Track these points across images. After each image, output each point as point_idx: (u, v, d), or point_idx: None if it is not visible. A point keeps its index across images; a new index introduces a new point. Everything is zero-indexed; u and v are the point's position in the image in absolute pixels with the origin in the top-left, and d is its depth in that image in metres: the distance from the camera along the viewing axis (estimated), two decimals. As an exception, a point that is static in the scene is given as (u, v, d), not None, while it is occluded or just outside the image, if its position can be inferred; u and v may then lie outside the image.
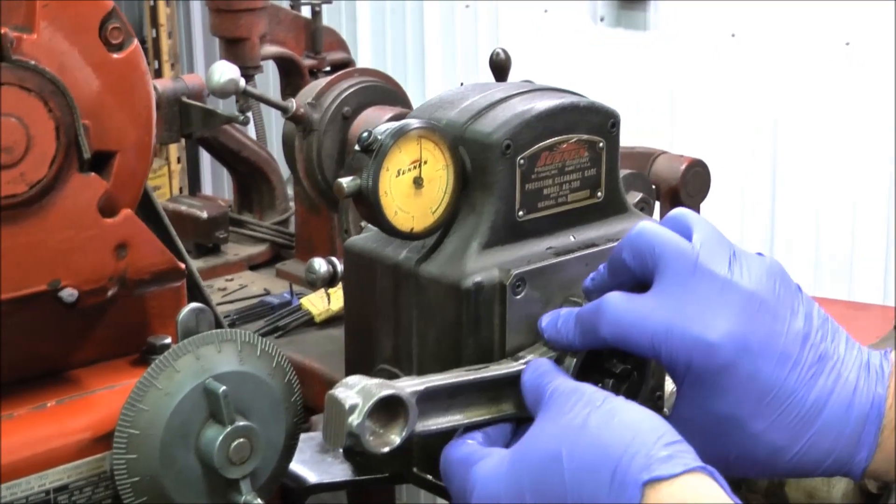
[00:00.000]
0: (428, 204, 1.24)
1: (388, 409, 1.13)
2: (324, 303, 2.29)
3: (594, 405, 1.11)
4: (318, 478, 1.34)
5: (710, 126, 4.20)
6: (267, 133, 3.36)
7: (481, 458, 1.16)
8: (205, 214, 2.68)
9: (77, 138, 1.22)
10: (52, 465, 1.22)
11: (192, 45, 6.29)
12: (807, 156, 4.02)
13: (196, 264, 2.41)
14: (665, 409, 1.35)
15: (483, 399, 1.21)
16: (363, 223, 1.32)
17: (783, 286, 1.20)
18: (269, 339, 1.29)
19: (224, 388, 1.21)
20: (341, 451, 1.37)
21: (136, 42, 1.28)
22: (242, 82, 2.11)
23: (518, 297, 1.24)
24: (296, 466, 1.33)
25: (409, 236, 1.25)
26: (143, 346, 1.33)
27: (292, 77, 2.99)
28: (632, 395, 1.29)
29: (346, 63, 3.02)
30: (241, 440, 1.22)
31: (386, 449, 1.13)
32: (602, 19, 4.47)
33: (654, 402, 1.34)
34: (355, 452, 1.34)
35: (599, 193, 1.34)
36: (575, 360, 1.24)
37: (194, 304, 1.27)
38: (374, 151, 1.20)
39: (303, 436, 1.34)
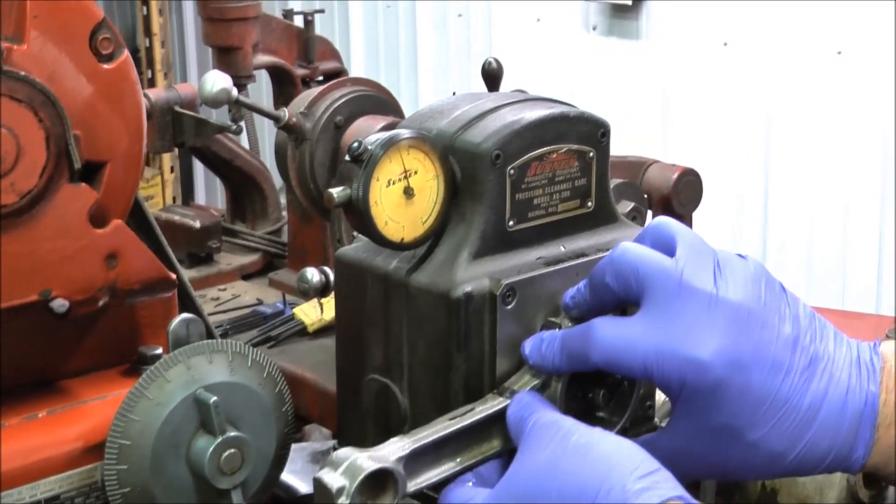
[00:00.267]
0: (418, 214, 1.25)
1: (378, 481, 1.13)
2: (316, 312, 2.29)
3: (569, 440, 1.12)
4: (309, 487, 1.34)
5: (702, 135, 4.21)
6: (260, 142, 3.36)
7: (469, 501, 1.17)
8: (197, 224, 2.67)
9: (67, 148, 1.22)
10: (43, 475, 1.22)
11: (185, 54, 6.30)
12: (799, 164, 4.02)
13: (189, 274, 2.41)
14: (656, 419, 1.36)
15: (472, 440, 1.21)
16: (355, 233, 1.32)
17: (768, 291, 1.20)
18: (260, 350, 1.29)
19: (215, 398, 1.21)
20: None
21: (126, 52, 1.28)
22: (235, 92, 2.11)
23: (508, 306, 1.24)
24: (287, 476, 1.34)
25: (400, 246, 1.25)
26: (134, 356, 1.33)
27: (285, 86, 2.99)
28: (622, 405, 1.29)
29: (339, 72, 3.03)
30: (232, 450, 1.22)
31: None
32: (594, 28, 4.48)
33: (644, 411, 1.34)
34: None
35: (590, 203, 1.34)
36: (561, 383, 1.24)
37: (185, 315, 1.27)
38: (364, 162, 1.20)
39: (294, 446, 1.34)
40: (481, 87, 1.69)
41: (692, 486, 1.84)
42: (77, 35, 1.24)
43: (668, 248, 1.21)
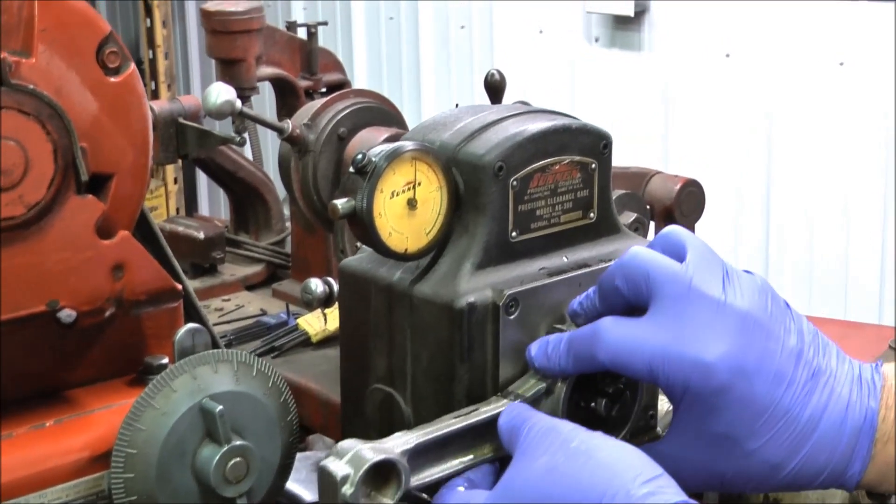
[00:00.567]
0: (422, 225, 1.26)
1: (381, 472, 1.14)
2: (320, 323, 2.29)
3: (569, 446, 1.12)
4: (314, 496, 1.35)
5: (704, 146, 4.22)
6: (263, 154, 3.37)
7: (465, 503, 1.17)
8: (201, 235, 2.68)
9: (75, 161, 1.23)
10: (50, 483, 1.23)
11: (189, 66, 6.31)
12: (801, 174, 4.03)
13: (193, 284, 2.41)
14: (658, 429, 1.36)
15: (475, 441, 1.21)
16: (359, 244, 1.33)
17: (774, 304, 1.21)
18: (265, 359, 1.30)
19: (220, 407, 1.22)
20: None
21: (132, 66, 1.29)
22: (238, 103, 2.12)
23: (511, 317, 1.25)
24: (292, 485, 1.35)
25: (403, 257, 1.26)
26: (140, 366, 1.34)
27: (288, 98, 3.00)
28: (624, 413, 1.30)
29: (342, 84, 3.04)
30: (238, 459, 1.23)
31: None
32: (597, 40, 4.49)
33: (646, 420, 1.35)
34: None
35: (592, 214, 1.35)
36: (565, 388, 1.25)
37: (191, 325, 1.28)
38: (369, 173, 1.21)
39: (298, 455, 1.35)
40: (484, 98, 1.70)
41: (695, 494, 1.85)
42: (84, 49, 1.25)
43: (678, 255, 1.22)
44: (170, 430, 1.21)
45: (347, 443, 1.14)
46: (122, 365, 1.35)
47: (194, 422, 1.22)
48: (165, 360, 1.33)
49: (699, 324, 1.17)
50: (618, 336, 1.19)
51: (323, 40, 3.14)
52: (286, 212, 2.80)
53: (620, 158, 1.75)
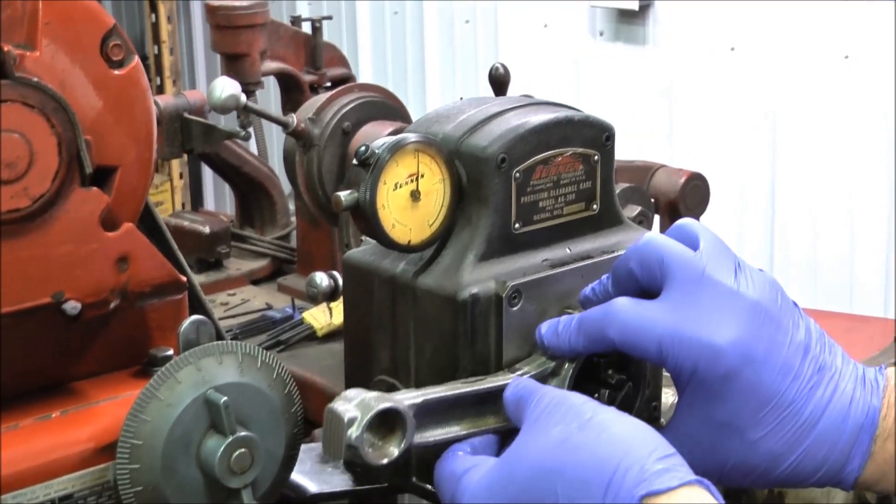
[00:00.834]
0: (425, 217, 1.26)
1: (387, 421, 1.14)
2: (325, 317, 2.30)
3: (583, 418, 1.12)
4: (319, 488, 1.35)
5: (708, 139, 4.22)
6: (268, 148, 3.38)
7: (469, 468, 1.17)
8: (206, 229, 2.69)
9: (79, 153, 1.24)
10: (56, 474, 1.23)
11: (194, 61, 6.32)
12: (806, 168, 4.03)
13: (198, 279, 2.42)
14: (662, 420, 1.37)
15: (480, 411, 1.22)
16: (363, 237, 1.34)
17: (784, 300, 1.22)
18: (269, 352, 1.30)
19: (225, 398, 1.22)
20: (341, 461, 1.38)
21: (136, 58, 1.30)
22: (243, 98, 2.12)
23: (514, 308, 1.25)
24: (296, 476, 1.34)
25: (407, 249, 1.26)
26: (144, 358, 1.35)
27: (293, 93, 3.01)
28: (627, 405, 1.30)
29: (347, 78, 3.04)
30: (242, 450, 1.23)
31: (384, 461, 1.15)
32: (601, 34, 4.49)
33: (650, 412, 1.35)
34: (355, 463, 1.35)
35: (595, 206, 1.35)
36: (572, 369, 1.25)
37: (195, 317, 1.28)
38: (372, 165, 1.22)
39: (303, 446, 1.35)
40: (488, 92, 1.70)
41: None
42: (88, 42, 1.26)
43: (692, 246, 1.23)
44: (175, 422, 1.22)
45: (354, 390, 1.14)
46: (127, 357, 1.36)
47: (199, 413, 1.23)
48: (170, 352, 1.33)
49: (711, 309, 1.18)
50: (630, 315, 1.20)
51: (328, 35, 3.14)
52: (291, 206, 2.81)
53: (625, 152, 1.75)
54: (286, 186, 2.67)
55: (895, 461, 1.20)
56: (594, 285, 1.27)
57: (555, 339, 1.25)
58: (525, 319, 1.26)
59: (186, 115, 2.45)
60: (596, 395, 1.29)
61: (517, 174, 1.27)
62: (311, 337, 2.31)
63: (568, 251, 1.33)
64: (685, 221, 1.26)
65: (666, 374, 1.53)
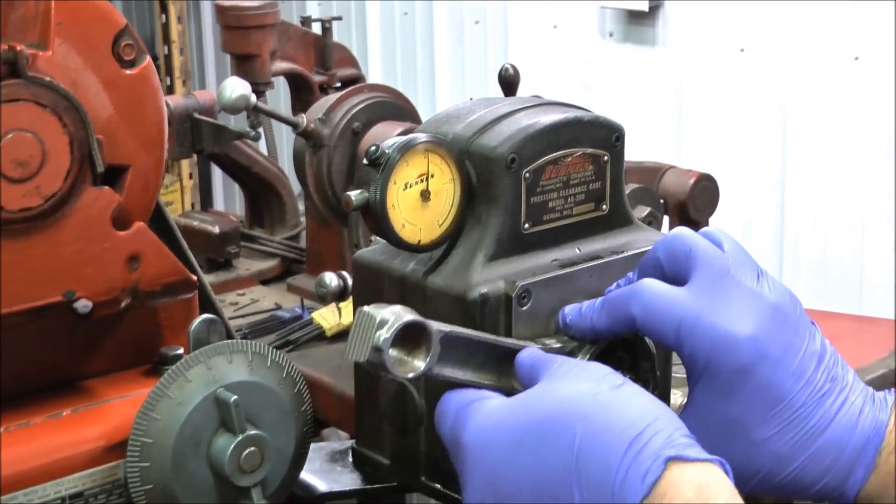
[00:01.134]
0: (435, 217, 1.26)
1: (413, 340, 1.13)
2: (335, 317, 2.31)
3: (614, 382, 1.12)
4: (328, 486, 1.36)
5: (718, 140, 4.21)
6: (278, 149, 3.38)
7: (475, 400, 1.16)
8: (216, 230, 2.69)
9: (91, 153, 1.24)
10: (67, 472, 1.24)
11: (204, 61, 6.32)
12: (816, 169, 4.02)
13: (208, 279, 2.43)
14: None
15: (498, 368, 1.21)
16: (373, 237, 1.34)
17: (801, 311, 1.23)
18: (279, 351, 1.30)
19: (235, 397, 1.23)
20: (350, 460, 1.39)
21: (148, 58, 1.30)
22: (253, 98, 2.13)
23: (523, 308, 1.25)
24: (306, 475, 1.35)
25: (417, 248, 1.27)
26: (155, 356, 1.35)
27: (302, 93, 3.01)
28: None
29: (357, 79, 3.05)
30: (252, 449, 1.24)
31: (405, 374, 1.14)
32: (611, 35, 4.49)
33: (658, 411, 1.35)
34: (364, 461, 1.36)
35: (604, 206, 1.35)
36: (589, 354, 1.25)
37: (206, 315, 1.29)
38: (382, 165, 1.22)
39: (313, 445, 1.36)
40: (498, 93, 1.70)
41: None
42: (100, 41, 1.26)
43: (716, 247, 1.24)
44: (185, 420, 1.22)
45: (386, 305, 1.14)
46: (138, 355, 1.36)
47: (209, 411, 1.23)
48: (181, 351, 1.34)
49: (733, 303, 1.19)
50: (655, 294, 1.20)
51: (337, 35, 3.14)
52: (301, 206, 2.81)
53: (634, 153, 1.75)
54: (296, 187, 2.67)
55: None
56: (621, 281, 1.28)
57: (578, 319, 1.25)
58: (534, 319, 1.26)
59: (196, 115, 2.45)
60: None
61: (527, 174, 1.28)
62: (321, 337, 2.32)
63: (577, 251, 1.33)
64: (709, 229, 1.27)
65: (675, 375, 1.53)
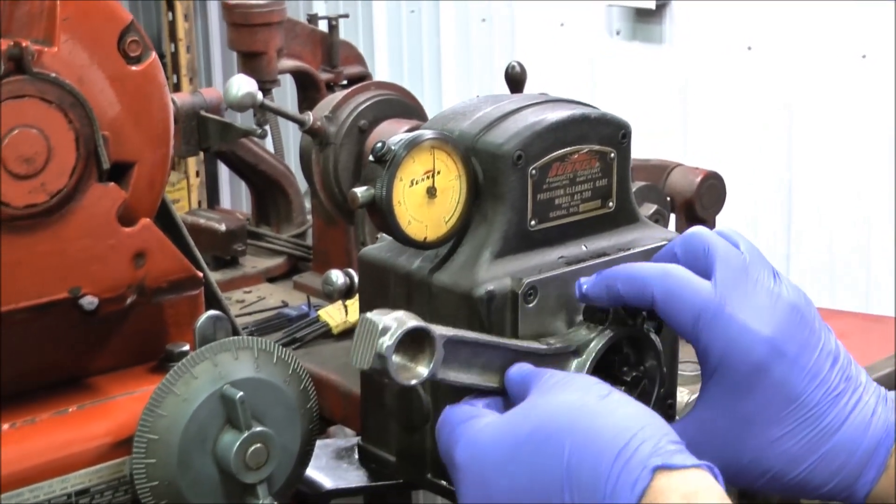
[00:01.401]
0: (441, 214, 1.26)
1: (417, 342, 1.13)
2: (341, 315, 2.31)
3: (601, 392, 1.13)
4: (334, 483, 1.36)
5: (725, 138, 4.21)
6: (284, 146, 3.38)
7: (470, 418, 1.17)
8: (223, 227, 2.69)
9: (96, 149, 1.24)
10: (73, 468, 1.24)
11: (210, 59, 6.33)
12: (823, 167, 4.02)
13: (214, 277, 2.43)
14: (678, 418, 1.37)
15: (503, 368, 1.21)
16: (379, 235, 1.34)
17: (815, 312, 1.24)
18: (285, 348, 1.30)
19: (241, 394, 1.23)
20: (356, 457, 1.39)
21: (154, 55, 1.30)
22: (260, 96, 2.13)
23: (530, 305, 1.25)
24: (311, 472, 1.35)
25: (423, 245, 1.26)
26: (161, 353, 1.35)
27: (309, 91, 3.01)
28: (642, 402, 1.30)
29: (363, 77, 3.05)
30: (258, 445, 1.24)
31: (409, 381, 1.14)
32: (618, 33, 4.48)
33: (665, 410, 1.35)
34: (370, 458, 1.36)
35: (611, 203, 1.35)
36: (595, 351, 1.25)
37: (212, 312, 1.29)
38: (388, 162, 1.22)
39: (319, 442, 1.35)
40: (504, 91, 1.70)
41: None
42: (106, 38, 1.26)
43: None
44: (191, 417, 1.22)
45: (389, 310, 1.14)
46: (144, 352, 1.36)
47: (215, 408, 1.23)
48: (186, 348, 1.34)
49: (752, 301, 1.19)
50: (681, 280, 1.20)
51: (344, 33, 3.14)
52: (307, 204, 2.82)
53: (641, 151, 1.75)
54: (302, 184, 2.68)
55: None
56: None
57: (594, 288, 1.24)
58: (540, 316, 1.26)
59: (203, 113, 2.45)
60: (611, 391, 1.29)
61: (533, 171, 1.28)
62: (327, 335, 2.32)
63: (584, 248, 1.33)
64: (725, 229, 1.27)
65: (682, 373, 1.53)
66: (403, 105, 2.38)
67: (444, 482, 1.29)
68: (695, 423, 1.21)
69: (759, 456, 1.20)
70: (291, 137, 4.62)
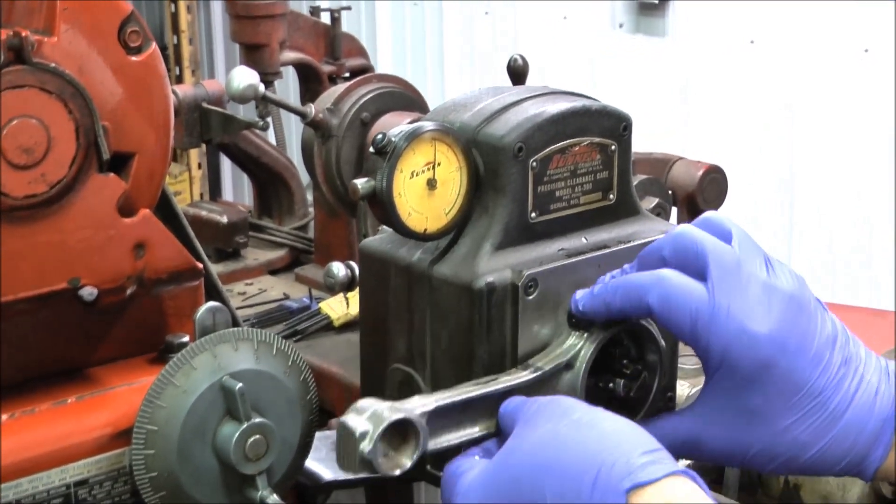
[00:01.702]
0: (441, 205, 1.26)
1: (400, 431, 1.14)
2: (342, 307, 2.30)
3: (571, 416, 1.13)
4: (333, 475, 1.35)
5: (727, 132, 4.21)
6: (286, 139, 3.38)
7: (466, 470, 1.18)
8: (225, 219, 2.69)
9: (96, 139, 1.24)
10: (72, 459, 1.24)
11: (213, 51, 6.33)
12: (825, 162, 4.02)
13: (216, 269, 2.43)
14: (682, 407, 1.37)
15: (494, 412, 1.22)
16: (380, 227, 1.34)
17: (810, 293, 1.24)
18: (285, 339, 1.30)
19: (240, 385, 1.22)
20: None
21: (154, 45, 1.30)
22: (262, 88, 2.13)
23: (530, 297, 1.25)
24: (311, 463, 1.35)
25: (423, 237, 1.26)
26: (160, 344, 1.35)
27: (311, 83, 3.01)
28: (643, 395, 1.30)
29: (365, 69, 3.05)
30: (257, 437, 1.24)
31: (398, 472, 1.15)
32: (621, 25, 4.48)
33: (665, 402, 1.35)
34: (371, 477, 1.35)
35: (611, 196, 1.35)
36: (586, 362, 1.25)
37: (211, 303, 1.29)
38: (389, 153, 1.22)
39: (318, 434, 1.35)
40: (507, 84, 1.70)
41: (715, 481, 1.85)
42: (106, 28, 1.26)
43: (724, 238, 1.23)
44: (190, 408, 1.22)
45: (367, 401, 1.14)
46: (144, 343, 1.36)
47: (214, 399, 1.23)
48: (186, 339, 1.34)
49: (749, 298, 1.19)
50: (675, 285, 1.20)
51: (346, 25, 3.14)
52: (309, 197, 2.81)
53: (643, 144, 1.75)
54: (304, 177, 2.68)
55: None
56: (615, 274, 1.27)
57: (590, 302, 1.24)
58: (541, 309, 1.26)
59: (205, 104, 2.45)
60: (611, 384, 1.29)
61: (534, 163, 1.27)
62: (329, 327, 2.31)
63: (584, 241, 1.33)
64: (712, 215, 1.26)
65: (683, 366, 1.53)
66: (406, 97, 2.37)
67: (439, 473, 1.29)
68: (700, 415, 1.22)
69: (768, 445, 1.21)
70: (294, 130, 4.62)
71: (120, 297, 1.29)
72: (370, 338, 1.37)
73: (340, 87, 2.35)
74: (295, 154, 2.73)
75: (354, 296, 2.19)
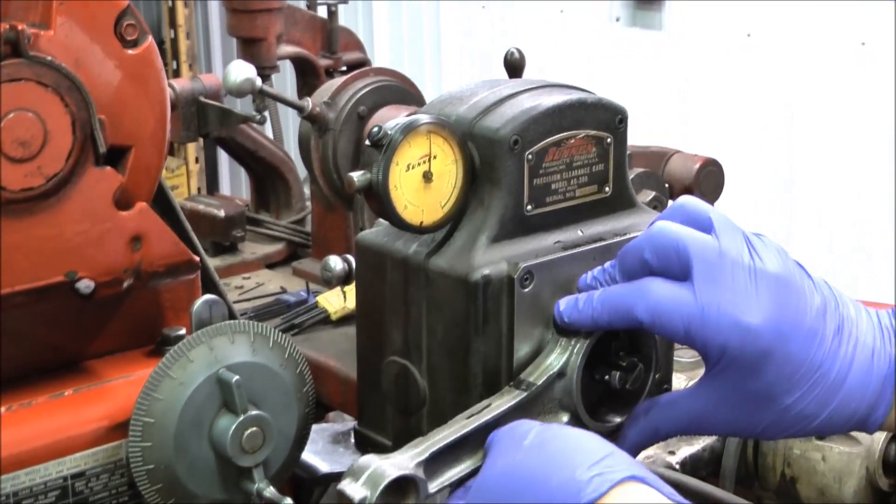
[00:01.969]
0: (437, 198, 1.26)
1: (399, 483, 1.14)
2: (340, 301, 2.31)
3: (522, 443, 1.15)
4: (330, 467, 1.36)
5: (724, 125, 4.21)
6: (283, 132, 3.38)
7: None
8: (222, 213, 2.69)
9: (93, 133, 1.24)
10: (69, 452, 1.24)
11: (210, 45, 6.33)
12: (822, 155, 4.02)
13: (213, 263, 2.43)
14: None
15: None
16: (377, 220, 1.34)
17: (793, 264, 1.24)
18: (281, 332, 1.30)
19: (237, 377, 1.23)
20: (353, 441, 1.39)
21: (150, 39, 1.30)
22: (259, 82, 2.13)
23: (526, 290, 1.25)
24: (308, 456, 1.35)
25: (419, 230, 1.26)
26: (157, 337, 1.35)
27: (308, 77, 3.01)
28: (638, 386, 1.31)
29: (362, 63, 3.04)
30: (254, 429, 1.24)
31: None
32: (618, 19, 4.48)
33: (661, 393, 1.35)
34: (367, 443, 1.36)
35: (607, 188, 1.35)
36: (577, 369, 1.25)
37: (208, 296, 1.29)
38: (384, 146, 1.22)
39: (315, 427, 1.36)
40: (504, 77, 1.70)
41: (712, 473, 1.85)
42: (102, 21, 1.26)
43: (700, 226, 1.23)
44: (187, 400, 1.22)
45: (364, 460, 1.14)
46: (141, 336, 1.36)
47: (211, 392, 1.23)
48: (183, 332, 1.34)
49: (737, 289, 1.19)
50: (661, 295, 1.20)
51: (343, 19, 3.14)
52: (306, 190, 2.81)
53: (640, 138, 1.75)
54: (301, 171, 2.68)
55: None
56: (596, 274, 1.27)
57: (576, 314, 1.25)
58: (537, 301, 1.26)
59: (202, 98, 2.45)
60: (607, 377, 1.29)
61: (530, 156, 1.28)
62: (326, 321, 2.32)
63: (580, 233, 1.33)
64: (687, 200, 1.26)
65: (679, 359, 1.53)
66: (402, 91, 2.38)
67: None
68: (702, 400, 1.23)
69: (773, 422, 1.23)
70: (291, 123, 4.62)
71: (117, 289, 1.29)
72: (366, 330, 1.37)
73: (337, 81, 2.35)
74: (292, 148, 2.73)
75: (351, 289, 2.18)
